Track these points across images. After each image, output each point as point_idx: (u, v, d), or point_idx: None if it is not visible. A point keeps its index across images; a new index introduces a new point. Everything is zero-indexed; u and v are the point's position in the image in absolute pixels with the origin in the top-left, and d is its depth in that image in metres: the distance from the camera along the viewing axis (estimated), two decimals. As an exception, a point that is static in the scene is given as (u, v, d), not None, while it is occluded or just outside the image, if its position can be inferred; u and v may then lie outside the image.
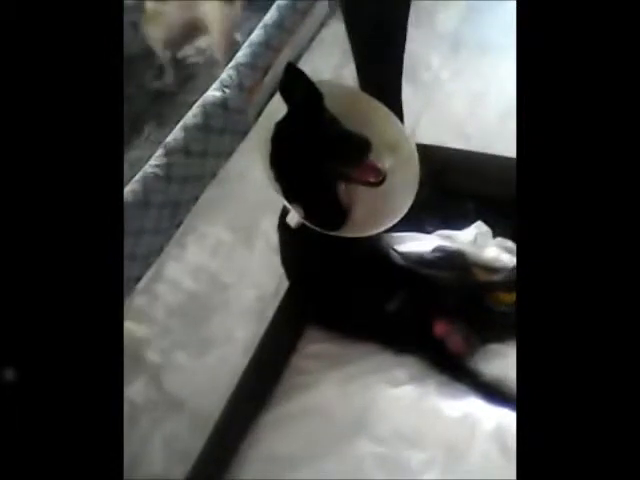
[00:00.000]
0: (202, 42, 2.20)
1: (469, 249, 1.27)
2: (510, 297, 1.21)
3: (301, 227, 1.17)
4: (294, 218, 1.18)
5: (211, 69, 2.07)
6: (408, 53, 1.40)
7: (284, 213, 1.24)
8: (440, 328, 1.22)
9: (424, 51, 1.84)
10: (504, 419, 1.09)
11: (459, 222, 1.36)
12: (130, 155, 1.79)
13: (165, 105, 2.01)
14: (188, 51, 2.21)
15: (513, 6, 2.17)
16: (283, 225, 1.24)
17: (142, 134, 1.92)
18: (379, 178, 1.16)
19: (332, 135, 1.17)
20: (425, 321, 1.22)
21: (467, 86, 1.75)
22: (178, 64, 2.17)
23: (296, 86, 1.18)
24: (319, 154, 1.17)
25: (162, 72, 2.16)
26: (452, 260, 1.23)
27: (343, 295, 1.27)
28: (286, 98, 1.18)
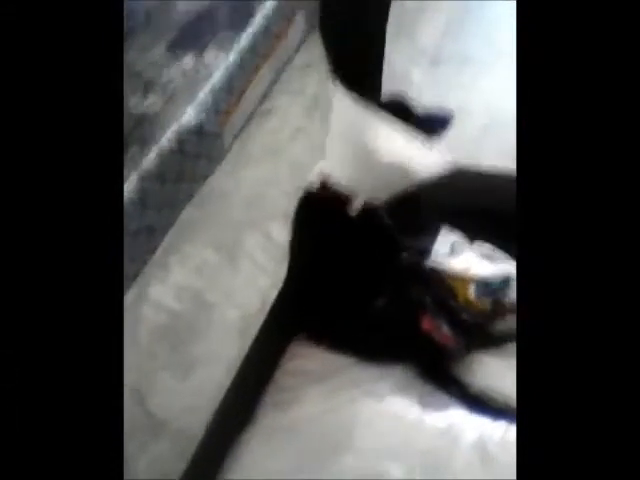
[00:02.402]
0: (186, 63, 2.21)
1: (441, 261, 1.28)
2: (481, 307, 1.23)
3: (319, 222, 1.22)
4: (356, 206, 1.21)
5: (195, 90, 2.08)
6: (389, 67, 1.41)
7: (307, 203, 1.25)
8: (427, 323, 1.23)
9: (405, 66, 1.86)
10: (486, 430, 1.10)
11: (432, 232, 1.37)
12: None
13: (149, 127, 2.02)
14: (172, 72, 2.22)
15: (493, 21, 2.21)
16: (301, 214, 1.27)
17: (126, 156, 1.92)
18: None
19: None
20: (411, 319, 1.24)
21: (448, 100, 1.76)
22: (162, 86, 2.19)
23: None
24: None
25: (146, 93, 2.17)
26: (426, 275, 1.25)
27: (339, 294, 1.29)
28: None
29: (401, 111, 1.29)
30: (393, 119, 1.24)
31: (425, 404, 1.16)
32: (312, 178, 1.30)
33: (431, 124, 1.29)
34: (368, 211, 1.23)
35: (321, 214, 1.28)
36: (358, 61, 1.35)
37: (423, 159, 1.24)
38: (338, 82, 1.24)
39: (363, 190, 1.23)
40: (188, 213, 1.57)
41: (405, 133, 1.25)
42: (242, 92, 1.54)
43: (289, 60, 1.90)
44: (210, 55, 2.01)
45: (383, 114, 1.23)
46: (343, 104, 1.22)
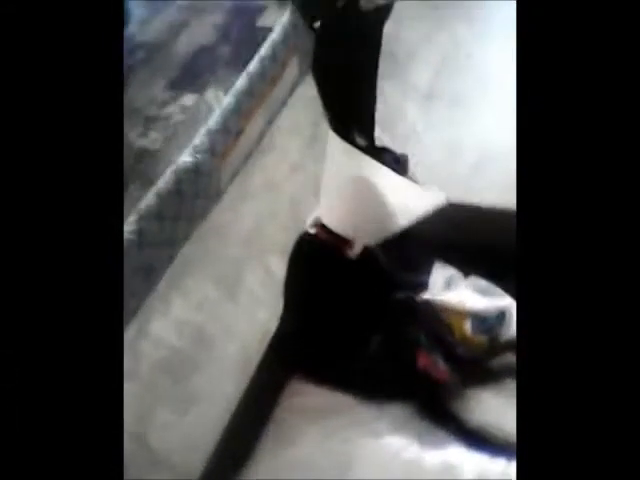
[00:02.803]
0: (187, 100, 2.26)
1: (436, 296, 1.29)
2: (478, 342, 1.23)
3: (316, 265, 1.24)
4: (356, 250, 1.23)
5: (196, 127, 2.12)
6: (383, 104, 1.44)
7: (303, 245, 1.27)
8: (423, 359, 1.23)
9: (399, 103, 1.90)
10: (485, 467, 1.10)
11: (426, 267, 1.38)
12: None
13: (149, 164, 2.05)
14: (173, 109, 2.26)
15: (485, 61, 2.25)
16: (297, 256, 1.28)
17: (127, 192, 1.95)
18: None
19: None
20: (407, 356, 1.24)
21: (441, 137, 1.79)
22: (163, 122, 2.22)
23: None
24: None
25: (147, 130, 2.20)
26: (421, 310, 1.26)
27: (329, 334, 1.29)
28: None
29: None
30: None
31: (424, 442, 1.16)
32: (308, 221, 1.32)
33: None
34: (368, 252, 1.24)
35: (317, 256, 1.30)
36: (350, 103, 1.39)
37: (419, 199, 1.26)
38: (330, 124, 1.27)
39: (359, 233, 1.25)
40: (188, 249, 1.59)
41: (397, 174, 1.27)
42: (238, 133, 1.58)
43: (284, 101, 1.94)
44: (210, 94, 2.06)
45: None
46: (337, 147, 1.24)
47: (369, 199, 1.23)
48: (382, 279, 1.30)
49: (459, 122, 1.81)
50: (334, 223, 1.27)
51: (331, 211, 1.29)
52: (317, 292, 1.32)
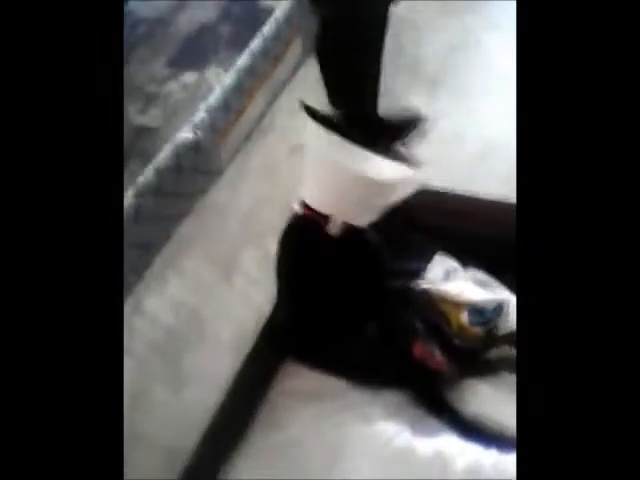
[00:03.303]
0: (187, 78, 2.23)
1: (434, 286, 1.29)
2: (474, 334, 1.23)
3: (310, 244, 1.23)
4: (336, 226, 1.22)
5: (196, 105, 2.09)
6: (387, 90, 1.43)
7: (293, 224, 1.27)
8: (420, 349, 1.23)
9: (403, 89, 1.88)
10: (476, 458, 1.10)
11: (426, 257, 1.38)
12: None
13: (149, 141, 2.03)
14: (173, 87, 2.24)
15: (492, 50, 2.23)
16: (289, 237, 1.28)
17: (126, 169, 1.93)
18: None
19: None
20: (403, 345, 1.24)
21: (445, 126, 1.78)
22: (163, 99, 2.20)
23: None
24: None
25: (147, 107, 2.18)
26: (418, 299, 1.26)
27: (327, 318, 1.29)
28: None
29: (365, 121, 1.30)
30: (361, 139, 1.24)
31: (416, 430, 1.16)
32: (294, 204, 1.31)
33: (398, 129, 1.29)
34: (354, 232, 1.23)
35: (305, 236, 1.29)
36: (353, 85, 1.37)
37: (397, 178, 1.24)
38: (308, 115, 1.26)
39: (339, 211, 1.24)
40: (185, 227, 1.58)
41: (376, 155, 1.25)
42: (239, 111, 1.56)
43: (286, 82, 1.93)
44: (211, 72, 2.03)
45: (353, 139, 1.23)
46: (315, 135, 1.23)
47: (347, 180, 1.21)
48: (377, 265, 1.30)
49: (464, 111, 1.80)
50: (315, 202, 1.26)
51: (312, 190, 1.28)
52: (307, 273, 1.31)
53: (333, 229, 1.22)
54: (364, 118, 1.29)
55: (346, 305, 1.28)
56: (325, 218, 1.23)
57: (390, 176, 1.20)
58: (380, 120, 1.32)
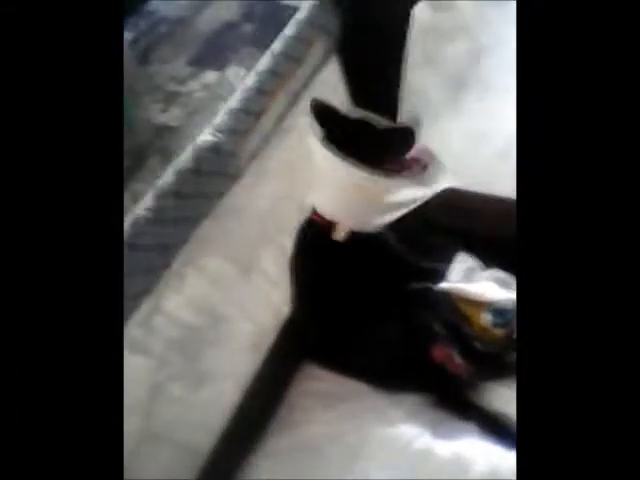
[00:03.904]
0: (208, 77, 2.24)
1: (454, 286, 1.27)
2: (496, 335, 1.22)
3: (317, 250, 1.23)
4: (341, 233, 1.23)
5: (219, 104, 2.10)
6: (410, 90, 1.42)
7: (303, 230, 1.26)
8: (439, 352, 1.22)
9: (427, 89, 1.87)
10: (497, 461, 1.09)
11: (447, 258, 1.36)
12: (135, 187, 1.81)
13: (170, 140, 2.04)
14: (194, 86, 2.25)
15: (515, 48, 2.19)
16: (300, 243, 1.28)
17: (146, 167, 1.94)
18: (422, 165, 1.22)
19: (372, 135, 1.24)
20: (424, 348, 1.23)
21: (467, 125, 1.76)
22: (184, 98, 2.20)
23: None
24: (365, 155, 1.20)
25: (167, 106, 2.19)
26: (439, 301, 1.24)
27: (344, 322, 1.28)
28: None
29: (364, 129, 1.29)
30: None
31: (436, 432, 1.15)
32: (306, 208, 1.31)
33: (394, 140, 1.27)
34: (363, 237, 1.23)
35: (315, 242, 1.29)
36: (376, 85, 1.37)
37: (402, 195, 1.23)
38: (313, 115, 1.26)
39: (348, 220, 1.24)
40: (204, 227, 1.58)
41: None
42: (260, 113, 1.56)
43: (307, 83, 1.92)
44: (232, 71, 2.03)
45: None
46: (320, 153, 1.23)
47: (352, 194, 1.22)
48: (396, 266, 1.29)
49: (486, 110, 1.79)
50: (322, 207, 1.26)
51: (319, 196, 1.29)
52: (320, 277, 1.31)
53: (338, 235, 1.23)
54: (367, 130, 1.28)
55: (365, 307, 1.27)
56: (332, 224, 1.24)
57: (398, 197, 1.20)
58: (380, 133, 1.30)
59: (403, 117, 1.32)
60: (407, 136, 1.21)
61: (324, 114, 1.23)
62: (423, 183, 1.22)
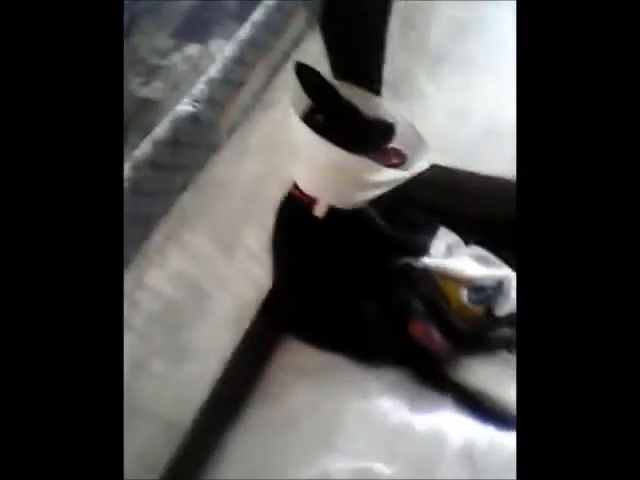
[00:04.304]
0: (191, 50, 2.20)
1: (434, 263, 1.28)
2: (474, 312, 1.23)
3: (296, 226, 1.23)
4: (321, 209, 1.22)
5: (199, 78, 2.07)
6: (392, 65, 1.41)
7: (283, 207, 1.26)
8: (417, 328, 1.23)
9: (409, 64, 1.86)
10: (474, 435, 1.11)
11: (429, 233, 1.37)
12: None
13: (151, 113, 2.02)
14: (176, 59, 2.21)
15: (500, 25, 2.20)
16: (280, 220, 1.28)
17: (127, 142, 1.92)
18: (402, 160, 1.22)
19: (356, 123, 1.22)
20: (402, 323, 1.24)
21: (450, 102, 1.76)
22: (166, 72, 2.18)
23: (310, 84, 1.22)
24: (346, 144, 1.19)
25: (149, 79, 2.16)
26: (418, 277, 1.25)
27: (323, 297, 1.29)
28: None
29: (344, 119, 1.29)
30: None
31: (414, 406, 1.17)
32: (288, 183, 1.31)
33: (372, 134, 1.27)
34: (343, 214, 1.23)
35: (296, 218, 1.29)
36: (358, 57, 1.35)
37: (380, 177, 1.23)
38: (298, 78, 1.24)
39: (328, 197, 1.24)
40: (185, 202, 1.57)
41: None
42: (240, 84, 1.53)
43: (289, 55, 1.90)
44: (215, 44, 2.01)
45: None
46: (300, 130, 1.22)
47: (331, 171, 1.21)
48: (375, 242, 1.29)
49: (469, 87, 1.78)
50: (302, 183, 1.26)
51: (300, 171, 1.28)
52: (300, 253, 1.31)
53: (318, 212, 1.23)
54: (349, 116, 1.27)
55: (345, 283, 1.28)
56: (312, 200, 1.23)
57: (378, 178, 1.20)
58: (363, 121, 1.29)
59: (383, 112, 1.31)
60: (386, 131, 1.21)
61: (310, 80, 1.21)
62: (406, 166, 1.22)
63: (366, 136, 1.21)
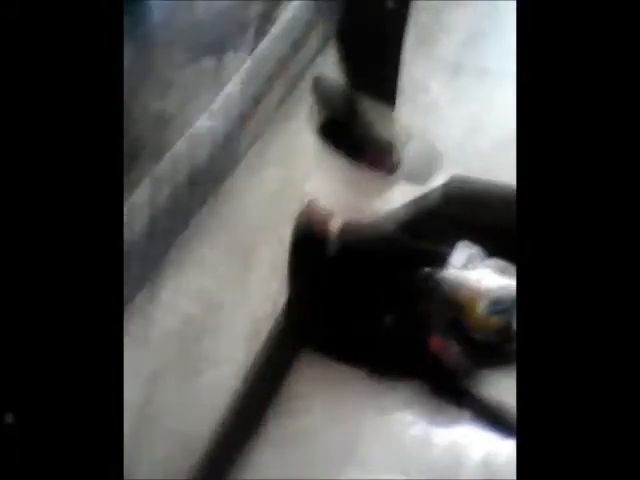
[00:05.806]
0: (206, 63, 2.22)
1: (453, 275, 1.27)
2: (492, 324, 1.22)
3: (313, 242, 1.24)
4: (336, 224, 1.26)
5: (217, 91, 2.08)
6: (408, 76, 1.41)
7: (300, 223, 1.27)
8: (436, 343, 1.23)
9: (424, 75, 1.86)
10: (492, 449, 1.10)
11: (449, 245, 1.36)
12: (132, 175, 1.81)
13: (166, 127, 2.03)
14: (191, 72, 2.23)
15: (514, 34, 2.18)
16: (297, 236, 1.29)
17: (143, 156, 1.93)
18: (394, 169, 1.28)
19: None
20: (420, 338, 1.23)
21: (466, 111, 1.76)
22: (182, 85, 2.19)
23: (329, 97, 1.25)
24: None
25: (164, 93, 2.17)
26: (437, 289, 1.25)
27: (341, 311, 1.29)
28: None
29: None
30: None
31: (433, 420, 1.16)
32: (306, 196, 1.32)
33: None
34: (358, 228, 1.24)
35: (312, 234, 1.30)
36: (372, 71, 1.36)
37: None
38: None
39: (344, 210, 1.25)
40: (203, 216, 1.58)
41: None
42: (258, 99, 1.54)
43: (307, 68, 1.91)
44: (230, 57, 2.02)
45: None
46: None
47: (348, 185, 1.23)
48: (392, 256, 1.29)
49: (484, 97, 1.77)
50: (320, 198, 1.28)
51: (318, 187, 1.29)
52: (317, 269, 1.32)
53: (335, 226, 1.24)
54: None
55: (362, 296, 1.27)
56: (329, 214, 1.24)
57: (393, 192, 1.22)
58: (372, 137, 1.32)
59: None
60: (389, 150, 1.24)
61: (327, 94, 1.23)
62: (418, 180, 1.23)
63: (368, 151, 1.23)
